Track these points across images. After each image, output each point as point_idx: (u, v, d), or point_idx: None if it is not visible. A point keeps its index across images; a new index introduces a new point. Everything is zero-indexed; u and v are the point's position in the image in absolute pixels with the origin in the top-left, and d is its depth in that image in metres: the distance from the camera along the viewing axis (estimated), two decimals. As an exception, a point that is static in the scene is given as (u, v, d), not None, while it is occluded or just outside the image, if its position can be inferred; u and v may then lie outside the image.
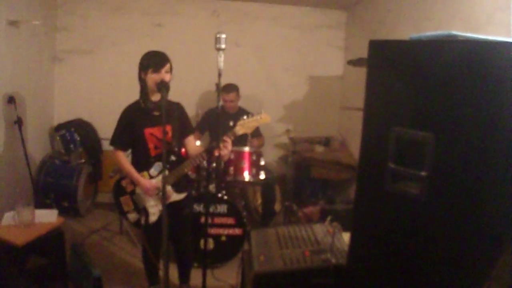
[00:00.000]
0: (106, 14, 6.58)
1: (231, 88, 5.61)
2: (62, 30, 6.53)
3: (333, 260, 2.73)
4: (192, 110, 5.29)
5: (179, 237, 3.99)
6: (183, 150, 3.93)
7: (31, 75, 5.79)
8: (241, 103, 5.93)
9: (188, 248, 4.13)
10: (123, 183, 3.83)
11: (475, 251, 1.95)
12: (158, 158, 3.67)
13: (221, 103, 3.31)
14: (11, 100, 4.97)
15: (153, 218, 3.71)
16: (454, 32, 1.90)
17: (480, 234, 1.94)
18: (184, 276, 4.18)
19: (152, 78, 3.50)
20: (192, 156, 3.71)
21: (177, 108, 3.82)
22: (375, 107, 2.20)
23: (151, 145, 3.67)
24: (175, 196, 3.76)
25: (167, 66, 3.54)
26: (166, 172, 3.12)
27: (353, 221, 2.41)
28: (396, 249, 2.17)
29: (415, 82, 2.00)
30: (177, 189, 3.76)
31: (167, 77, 3.50)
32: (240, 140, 4.77)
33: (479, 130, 1.85)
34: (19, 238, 3.49)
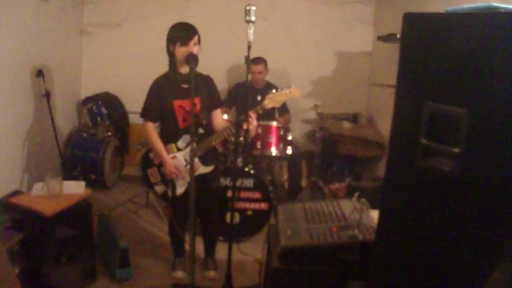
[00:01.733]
0: (134, -13, 6.56)
1: (259, 60, 5.60)
2: (89, 4, 6.55)
3: (360, 237, 2.71)
4: (221, 84, 5.27)
5: (205, 210, 4.00)
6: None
7: (59, 49, 5.83)
8: (269, 78, 5.90)
9: (214, 222, 4.15)
10: (151, 155, 3.84)
11: (509, 230, 1.91)
12: (186, 130, 3.67)
13: (250, 76, 3.27)
14: (39, 73, 5.01)
15: (180, 190, 3.73)
16: (495, 4, 1.83)
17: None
18: (209, 249, 4.21)
19: (180, 51, 3.48)
20: (219, 130, 3.70)
21: (206, 81, 3.80)
22: (408, 81, 2.15)
23: (179, 117, 3.67)
24: (203, 169, 3.76)
25: (195, 38, 3.52)
26: (194, 145, 3.12)
27: (382, 197, 2.38)
28: (426, 227, 2.14)
29: (450, 56, 1.95)
30: (205, 162, 3.77)
31: (195, 49, 3.49)
32: (268, 115, 4.76)
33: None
34: (48, 208, 3.53)
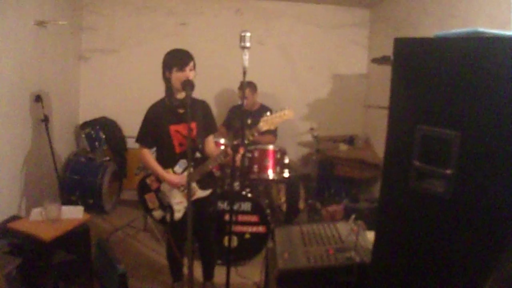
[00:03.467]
0: (131, 13, 6.66)
1: (245, 84, 5.62)
2: (87, 30, 6.62)
3: (357, 259, 2.72)
4: (214, 108, 5.29)
5: (203, 234, 4.01)
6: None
7: (57, 74, 5.88)
8: (264, 101, 5.94)
9: (212, 246, 4.15)
10: (148, 180, 3.86)
11: (501, 252, 1.93)
12: (183, 155, 3.70)
13: (245, 100, 3.31)
14: (38, 98, 5.05)
15: (178, 214, 3.74)
16: (481, 29, 1.88)
17: (507, 233, 1.93)
18: (207, 273, 4.21)
19: (177, 76, 3.52)
20: (216, 154, 3.73)
21: (202, 106, 3.84)
22: (400, 105, 2.19)
23: (176, 142, 3.69)
24: (200, 193, 3.78)
25: (191, 64, 3.56)
26: (191, 169, 3.14)
27: (378, 219, 2.40)
28: (421, 248, 2.16)
29: (441, 80, 1.99)
30: (202, 186, 3.79)
31: (191, 75, 3.53)
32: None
33: (505, 129, 1.83)
34: (47, 233, 3.55)
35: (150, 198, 3.85)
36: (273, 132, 5.74)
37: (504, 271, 1.93)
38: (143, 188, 3.89)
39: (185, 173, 3.69)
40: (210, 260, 4.21)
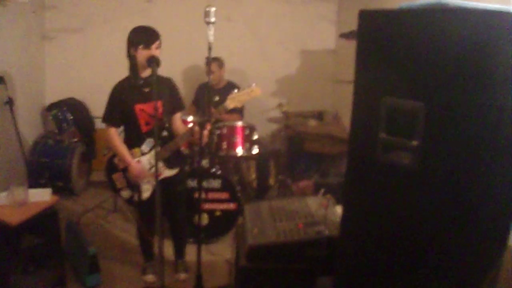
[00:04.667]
0: (96, -9, 6.51)
1: (212, 59, 5.58)
2: (51, 8, 6.46)
3: (326, 232, 2.74)
4: (181, 86, 5.21)
5: (173, 213, 3.99)
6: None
7: (20, 55, 5.76)
8: (233, 77, 5.92)
9: (182, 224, 4.14)
10: (116, 160, 3.82)
11: (468, 221, 1.96)
12: (149, 134, 3.67)
13: (211, 77, 3.28)
14: (1, 80, 4.94)
15: (145, 194, 3.71)
16: (444, 0, 1.88)
17: (472, 203, 1.95)
18: (179, 251, 4.20)
19: (142, 54, 3.47)
20: (183, 132, 3.70)
21: (168, 84, 3.80)
22: (365, 78, 2.19)
23: (142, 121, 3.65)
24: (167, 172, 3.76)
25: (157, 42, 3.51)
26: (158, 148, 3.12)
27: (345, 192, 2.42)
28: (388, 220, 2.18)
29: (405, 52, 1.99)
30: (169, 165, 3.76)
31: (157, 53, 3.48)
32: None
33: (471, 99, 1.84)
34: (13, 217, 3.48)
35: (118, 178, 3.81)
36: (239, 111, 5.72)
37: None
38: (111, 167, 3.85)
39: (150, 157, 3.66)
40: (181, 239, 4.19)
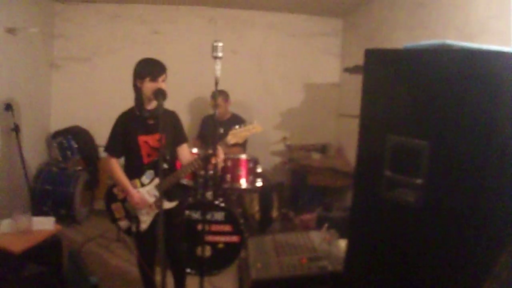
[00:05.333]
0: (104, 21, 6.61)
1: (218, 92, 5.62)
2: (59, 38, 6.56)
3: (330, 267, 2.74)
4: (186, 118, 5.25)
5: (171, 245, 3.97)
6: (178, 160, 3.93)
7: (28, 82, 5.81)
8: (237, 110, 5.95)
9: (181, 256, 4.10)
10: (115, 190, 3.81)
11: (472, 256, 1.96)
12: (150, 166, 3.66)
13: (217, 110, 3.31)
14: (8, 107, 4.99)
15: (143, 226, 3.70)
16: (449, 42, 1.91)
17: (477, 239, 1.96)
18: (179, 284, 4.16)
19: (148, 86, 3.48)
20: (186, 163, 3.71)
21: (172, 117, 3.81)
22: (371, 115, 2.22)
23: (144, 153, 3.65)
24: (167, 204, 3.73)
25: (164, 75, 3.54)
26: (158, 180, 3.12)
27: (349, 228, 2.42)
28: (392, 256, 2.18)
29: (410, 90, 2.02)
30: (169, 197, 3.75)
31: (163, 85, 3.50)
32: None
33: (474, 137, 1.86)
34: (16, 245, 3.49)
35: (117, 208, 3.80)
36: (241, 145, 5.74)
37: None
38: (110, 197, 3.85)
39: (150, 188, 3.67)
40: (180, 271, 4.14)
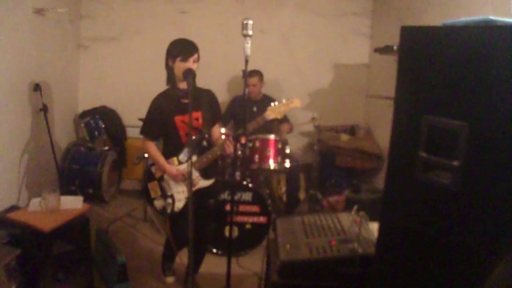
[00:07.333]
0: (131, 1, 6.60)
1: (254, 72, 5.62)
2: (86, 18, 6.57)
3: (360, 250, 2.70)
4: (219, 97, 5.18)
5: (199, 225, 3.96)
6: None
7: (56, 63, 5.84)
8: (266, 90, 5.92)
9: (206, 238, 4.09)
10: (153, 169, 3.82)
11: (508, 242, 1.90)
12: (189, 144, 3.66)
13: (247, 90, 3.28)
14: (36, 87, 5.01)
15: (179, 204, 3.70)
16: (492, 17, 1.83)
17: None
18: (196, 263, 4.13)
19: (179, 66, 3.48)
20: (218, 143, 3.69)
21: (208, 95, 3.80)
22: (406, 95, 2.15)
23: (182, 133, 3.65)
24: (203, 183, 3.74)
25: (196, 55, 3.52)
26: (194, 158, 3.12)
27: (382, 210, 2.37)
28: (426, 240, 2.13)
29: (449, 69, 1.95)
30: (205, 175, 3.75)
31: (194, 66, 3.49)
32: (269, 128, 4.74)
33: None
34: (46, 224, 3.51)
35: (153, 187, 3.81)
36: (286, 121, 5.74)
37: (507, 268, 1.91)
38: (148, 176, 3.85)
39: (186, 164, 3.66)
40: (200, 253, 4.12)
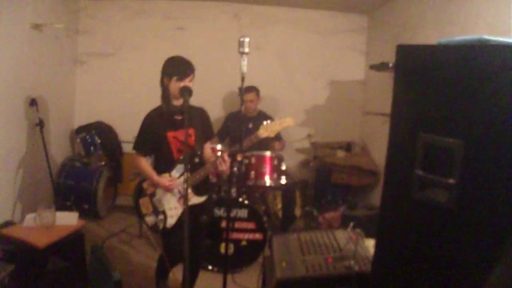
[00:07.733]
0: (128, 17, 6.63)
1: (251, 88, 5.62)
2: (83, 34, 6.60)
3: (356, 268, 2.69)
4: (213, 114, 5.21)
5: (192, 242, 3.94)
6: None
7: (53, 78, 5.84)
8: (262, 107, 5.93)
9: (199, 255, 4.07)
10: (144, 185, 3.81)
11: (506, 262, 1.90)
12: (181, 161, 3.67)
13: (243, 106, 3.28)
14: (33, 102, 5.02)
15: (171, 221, 3.69)
16: (486, 37, 1.85)
17: (510, 242, 1.89)
18: (190, 281, 4.09)
19: (175, 85, 3.48)
20: (213, 160, 3.69)
21: (200, 113, 3.81)
22: (402, 112, 2.16)
23: (174, 149, 3.65)
24: (195, 199, 3.73)
25: (192, 75, 3.52)
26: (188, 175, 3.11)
27: (378, 228, 2.36)
28: (422, 258, 2.13)
29: (444, 87, 1.96)
30: (197, 191, 3.74)
31: (190, 85, 3.49)
32: (261, 145, 4.74)
33: (509, 138, 1.80)
34: (40, 240, 3.50)
35: (144, 203, 3.79)
36: (279, 139, 5.74)
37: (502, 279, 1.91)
38: (139, 192, 3.84)
39: (181, 181, 3.66)
40: (196, 268, 4.10)
